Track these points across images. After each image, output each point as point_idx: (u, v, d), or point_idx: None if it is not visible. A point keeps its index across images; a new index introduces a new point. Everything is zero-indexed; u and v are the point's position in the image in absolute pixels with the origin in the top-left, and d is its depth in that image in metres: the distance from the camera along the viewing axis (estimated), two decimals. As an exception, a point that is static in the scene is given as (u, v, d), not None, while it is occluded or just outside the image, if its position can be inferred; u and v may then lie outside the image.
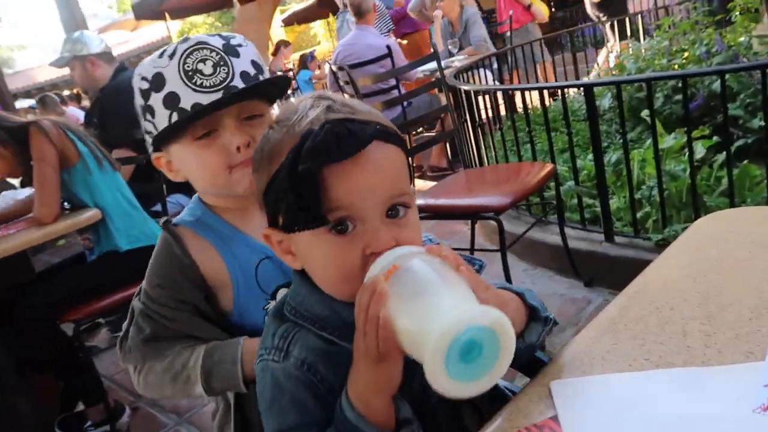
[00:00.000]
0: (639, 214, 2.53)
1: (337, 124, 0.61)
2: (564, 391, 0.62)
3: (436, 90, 4.09)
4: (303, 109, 0.66)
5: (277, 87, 0.99)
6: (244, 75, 0.94)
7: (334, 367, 0.65)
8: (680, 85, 2.50)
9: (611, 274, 2.52)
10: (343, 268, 0.63)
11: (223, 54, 0.92)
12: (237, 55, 0.94)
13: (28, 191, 2.67)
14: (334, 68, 4.19)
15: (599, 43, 6.29)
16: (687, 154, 2.33)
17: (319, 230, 0.63)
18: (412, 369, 0.60)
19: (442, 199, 2.45)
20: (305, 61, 7.69)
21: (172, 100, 0.91)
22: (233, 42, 0.95)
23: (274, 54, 8.17)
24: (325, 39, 14.76)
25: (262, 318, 0.96)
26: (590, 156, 3.16)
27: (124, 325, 1.01)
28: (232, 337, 0.97)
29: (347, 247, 0.63)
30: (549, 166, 2.47)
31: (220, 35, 0.96)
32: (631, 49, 3.99)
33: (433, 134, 5.08)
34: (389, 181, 0.64)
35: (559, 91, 2.78)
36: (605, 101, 3.66)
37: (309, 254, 0.67)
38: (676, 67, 3.52)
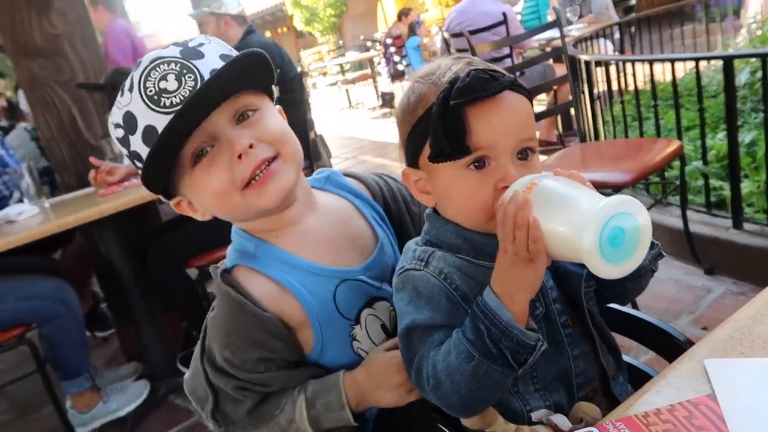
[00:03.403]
0: (775, 201, 2.33)
1: (480, 72, 0.70)
2: (721, 370, 0.60)
3: (551, 60, 3.93)
4: (445, 66, 0.75)
5: (256, 67, 0.83)
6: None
7: (468, 279, 0.74)
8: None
9: (737, 263, 2.35)
10: (478, 199, 0.72)
11: (183, 61, 0.78)
12: (200, 56, 0.80)
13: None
14: (446, 35, 4.14)
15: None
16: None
17: (459, 166, 0.72)
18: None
19: (556, 173, 2.38)
20: (413, 28, 7.66)
21: (149, 135, 0.77)
22: (192, 44, 0.82)
23: (399, 20, 8.44)
24: (433, 6, 14.52)
25: (347, 348, 0.90)
26: (720, 135, 2.94)
27: (208, 407, 0.88)
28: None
29: (483, 181, 0.72)
30: (675, 144, 2.32)
31: (175, 43, 0.82)
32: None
33: (544, 107, 4.91)
34: (522, 126, 0.72)
35: (694, 63, 2.57)
36: (742, 76, 3.35)
37: (447, 188, 0.75)
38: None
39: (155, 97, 0.77)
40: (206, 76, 0.78)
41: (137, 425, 2.30)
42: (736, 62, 2.88)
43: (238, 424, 0.88)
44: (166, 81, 0.77)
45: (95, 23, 3.86)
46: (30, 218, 2.22)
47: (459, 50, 3.74)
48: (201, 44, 0.82)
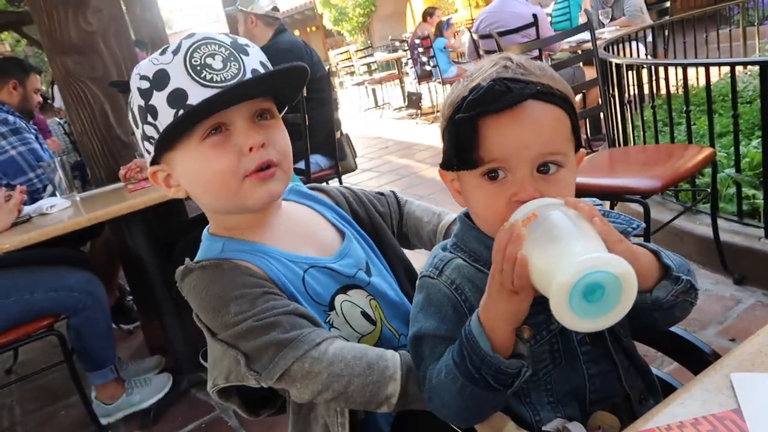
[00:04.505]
0: (811, 211, 2.26)
1: (499, 82, 0.67)
2: (748, 384, 0.58)
3: (580, 63, 3.88)
4: (485, 67, 0.72)
5: (292, 81, 0.90)
6: (255, 73, 0.85)
7: (479, 291, 0.72)
8: None
9: (768, 274, 2.29)
10: (491, 209, 0.71)
11: (232, 50, 0.84)
12: (246, 53, 0.86)
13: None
14: (475, 36, 4.12)
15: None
16: None
17: (475, 175, 0.71)
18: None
19: (583, 178, 2.35)
20: (441, 29, 7.64)
21: (178, 97, 0.81)
22: (240, 42, 0.87)
23: (424, 20, 8.41)
24: (463, 6, 14.46)
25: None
26: (754, 143, 2.87)
27: (242, 362, 0.82)
28: None
29: (496, 192, 0.70)
30: (707, 150, 2.28)
31: (226, 34, 0.88)
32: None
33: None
34: (543, 139, 0.68)
35: (729, 68, 2.51)
36: (779, 82, 3.26)
37: (468, 194, 0.76)
38: None
39: (198, 68, 0.81)
40: (248, 71, 0.84)
41: (159, 418, 2.33)
42: None
43: (284, 352, 0.79)
44: (213, 59, 0.82)
45: None
46: (62, 211, 2.27)
47: (487, 52, 3.72)
48: (247, 45, 0.88)
